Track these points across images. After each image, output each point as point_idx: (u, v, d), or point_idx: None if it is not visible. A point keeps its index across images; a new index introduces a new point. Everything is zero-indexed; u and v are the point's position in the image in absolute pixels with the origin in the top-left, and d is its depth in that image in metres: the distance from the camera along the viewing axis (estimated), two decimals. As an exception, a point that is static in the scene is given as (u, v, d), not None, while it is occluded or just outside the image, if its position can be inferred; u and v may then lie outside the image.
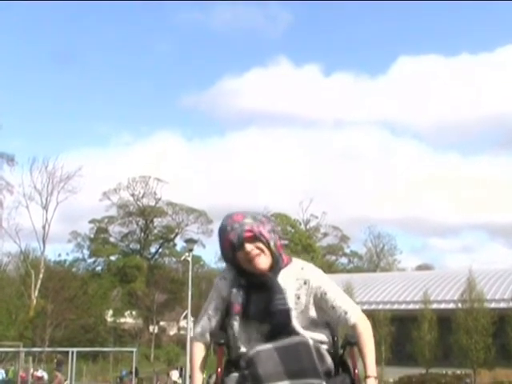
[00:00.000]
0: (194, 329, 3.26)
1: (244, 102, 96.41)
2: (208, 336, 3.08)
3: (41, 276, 51.48)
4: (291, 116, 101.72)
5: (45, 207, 56.36)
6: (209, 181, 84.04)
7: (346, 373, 2.98)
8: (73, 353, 27.38)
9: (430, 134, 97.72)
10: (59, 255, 62.05)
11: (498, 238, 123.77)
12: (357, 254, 74.93)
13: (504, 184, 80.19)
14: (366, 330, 3.00)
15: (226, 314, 3.03)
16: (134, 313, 60.11)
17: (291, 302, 2.95)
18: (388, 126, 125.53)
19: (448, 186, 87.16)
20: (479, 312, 34.30)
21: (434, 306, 37.59)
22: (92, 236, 66.21)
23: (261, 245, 2.96)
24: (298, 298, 2.99)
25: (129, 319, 60.00)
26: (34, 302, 50.30)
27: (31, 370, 35.55)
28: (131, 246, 67.98)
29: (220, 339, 3.00)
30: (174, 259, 67.99)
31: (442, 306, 38.45)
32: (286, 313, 2.92)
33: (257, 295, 2.95)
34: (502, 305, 36.69)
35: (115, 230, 66.78)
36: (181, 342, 51.28)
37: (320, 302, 3.01)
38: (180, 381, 37.09)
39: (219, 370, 2.97)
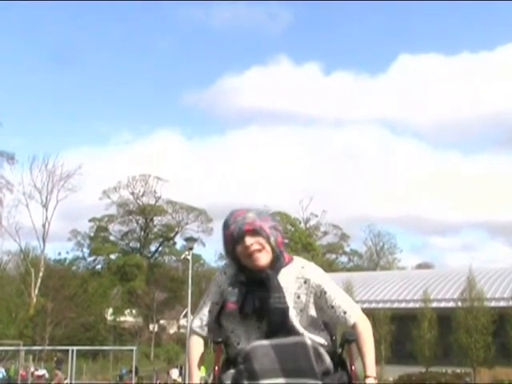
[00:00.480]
0: (192, 321, 3.18)
1: (244, 100, 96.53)
2: (207, 329, 3.07)
3: (41, 274, 51.46)
4: (291, 114, 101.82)
5: (45, 206, 56.41)
6: (209, 179, 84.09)
7: (344, 370, 2.97)
8: (73, 351, 27.44)
9: (430, 132, 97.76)
10: (59, 254, 62.05)
11: (498, 237, 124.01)
12: (357, 253, 74.95)
13: (504, 182, 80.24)
14: (366, 329, 2.99)
15: (221, 309, 3.02)
16: (133, 311, 60.14)
17: (290, 301, 2.94)
18: (388, 124, 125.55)
19: (448, 185, 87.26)
20: (479, 311, 34.29)
21: (434, 304, 37.58)
22: (92, 234, 66.21)
23: (261, 240, 2.95)
24: (298, 297, 2.98)
25: (129, 318, 60.02)
26: (34, 300, 50.29)
27: (32, 369, 35.59)
28: (131, 244, 68.02)
29: (218, 337, 2.99)
30: (173, 258, 68.00)
31: (442, 304, 38.42)
32: (283, 311, 2.90)
33: (255, 292, 2.93)
34: (502, 303, 36.65)
35: (115, 228, 66.91)
36: (181, 340, 51.32)
37: (320, 301, 3.00)
38: (180, 379, 37.11)
39: (216, 368, 2.96)
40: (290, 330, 2.90)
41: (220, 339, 2.98)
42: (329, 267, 55.90)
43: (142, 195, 65.85)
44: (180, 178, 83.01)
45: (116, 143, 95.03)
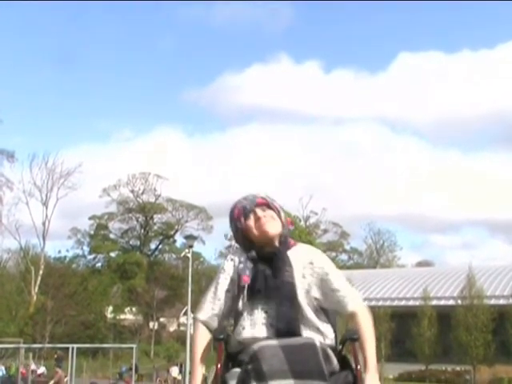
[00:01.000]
0: (198, 312, 3.03)
1: (245, 98, 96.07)
2: (216, 320, 3.00)
3: (41, 272, 51.49)
4: (292, 112, 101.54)
5: (45, 203, 56.44)
6: (209, 177, 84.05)
7: (348, 369, 2.90)
8: (73, 349, 27.38)
9: (431, 130, 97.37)
10: (59, 252, 62.04)
11: (498, 235, 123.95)
12: (357, 251, 74.90)
13: (504, 180, 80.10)
14: (366, 320, 2.98)
15: (235, 298, 2.97)
16: (133, 309, 60.12)
17: (298, 280, 2.96)
18: (388, 122, 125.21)
19: (448, 183, 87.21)
20: (479, 308, 34.31)
21: (434, 302, 37.60)
22: (92, 232, 66.18)
23: (272, 213, 3.07)
24: (304, 276, 2.99)
25: (129, 315, 60.02)
26: (34, 298, 50.32)
27: (32, 366, 35.59)
28: (131, 242, 68.00)
29: (219, 334, 2.91)
30: (173, 256, 67.95)
31: (442, 302, 38.43)
32: (293, 286, 2.91)
33: (265, 268, 2.95)
34: (502, 301, 36.64)
35: (115, 226, 66.84)
36: (181, 338, 51.27)
37: (322, 284, 3.02)
38: (180, 377, 37.09)
39: (219, 366, 2.88)
40: (297, 311, 2.88)
41: (222, 336, 2.90)
42: (329, 265, 55.76)
43: (142, 193, 65.84)
44: (180, 176, 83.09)
45: (116, 141, 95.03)
